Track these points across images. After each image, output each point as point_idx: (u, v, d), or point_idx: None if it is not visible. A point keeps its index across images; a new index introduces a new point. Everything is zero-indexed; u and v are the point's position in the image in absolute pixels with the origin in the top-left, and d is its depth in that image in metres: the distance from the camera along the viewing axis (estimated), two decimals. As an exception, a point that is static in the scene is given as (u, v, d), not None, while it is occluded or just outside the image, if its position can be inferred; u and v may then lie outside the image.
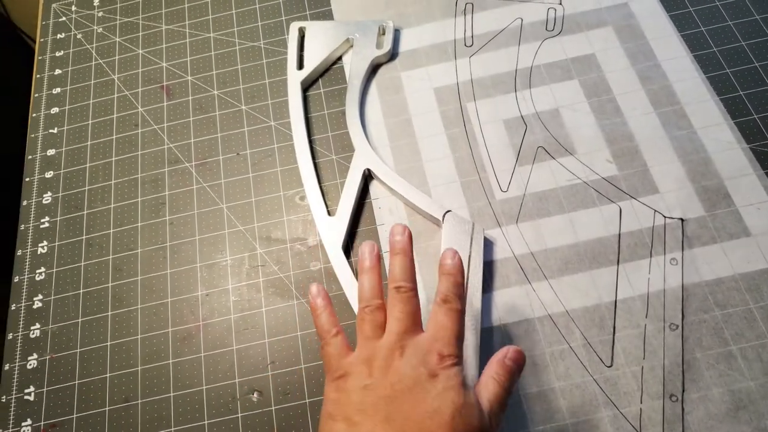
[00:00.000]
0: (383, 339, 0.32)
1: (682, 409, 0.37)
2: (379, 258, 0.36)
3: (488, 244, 0.44)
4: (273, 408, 0.40)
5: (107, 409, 0.42)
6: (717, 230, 0.42)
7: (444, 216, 0.43)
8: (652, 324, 0.40)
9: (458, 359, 0.31)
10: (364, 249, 0.35)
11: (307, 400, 0.40)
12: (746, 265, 0.41)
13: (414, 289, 0.33)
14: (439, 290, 0.34)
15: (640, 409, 0.38)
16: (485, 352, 0.40)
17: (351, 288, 0.43)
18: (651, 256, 0.42)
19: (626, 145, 0.46)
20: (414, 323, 0.32)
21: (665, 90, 0.48)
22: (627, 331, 0.40)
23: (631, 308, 0.41)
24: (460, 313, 0.33)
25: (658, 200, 0.44)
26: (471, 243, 0.42)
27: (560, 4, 0.53)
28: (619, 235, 0.43)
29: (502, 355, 0.32)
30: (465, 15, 0.53)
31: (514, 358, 0.32)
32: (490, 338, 0.41)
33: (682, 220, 0.43)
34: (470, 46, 0.52)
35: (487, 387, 0.31)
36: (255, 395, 0.41)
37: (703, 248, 0.42)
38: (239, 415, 0.41)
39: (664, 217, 0.43)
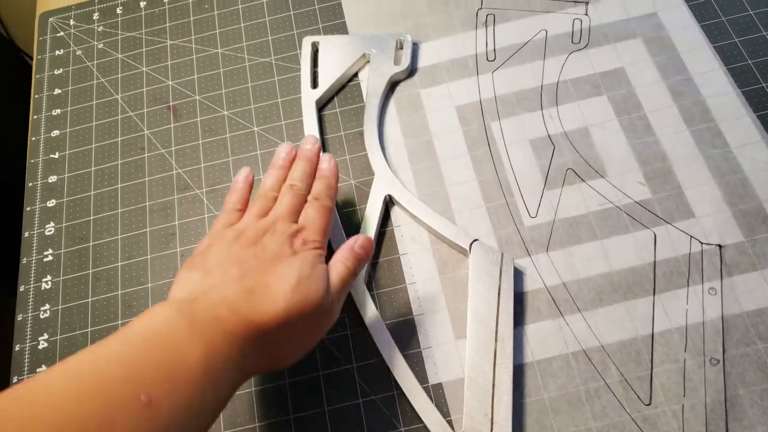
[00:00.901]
0: (261, 220, 0.36)
1: (728, 452, 0.36)
2: (292, 162, 0.40)
3: (518, 275, 0.42)
4: (297, 453, 0.39)
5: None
6: (757, 256, 0.40)
7: (471, 245, 0.41)
8: (691, 358, 0.38)
9: (321, 247, 0.35)
10: (281, 148, 0.41)
11: (332, 445, 0.39)
12: (790, 295, 0.39)
13: (306, 192, 0.38)
14: (312, 191, 0.38)
15: (684, 451, 0.36)
16: (518, 392, 0.38)
17: (374, 324, 0.41)
18: (688, 286, 0.40)
19: (659, 165, 0.44)
20: (292, 215, 0.36)
21: (699, 106, 0.46)
22: (665, 366, 0.38)
23: (669, 342, 0.39)
24: (330, 210, 0.38)
25: (694, 225, 0.42)
26: (500, 274, 0.40)
27: (586, 14, 0.50)
28: (654, 263, 0.41)
29: (353, 242, 0.37)
30: (486, 27, 0.51)
31: (364, 245, 0.37)
32: (523, 377, 0.39)
33: (720, 246, 0.41)
34: (493, 60, 0.49)
35: (335, 268, 0.35)
36: (277, 439, 0.39)
37: (742, 276, 0.40)
38: (261, 460, 0.39)
39: (701, 243, 0.41)
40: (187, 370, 0.26)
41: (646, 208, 0.43)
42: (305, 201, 0.38)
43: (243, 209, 0.38)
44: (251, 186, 0.40)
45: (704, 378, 0.37)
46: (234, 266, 0.32)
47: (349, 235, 0.43)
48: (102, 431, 0.22)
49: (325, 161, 0.40)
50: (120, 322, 0.44)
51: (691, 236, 0.41)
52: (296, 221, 0.36)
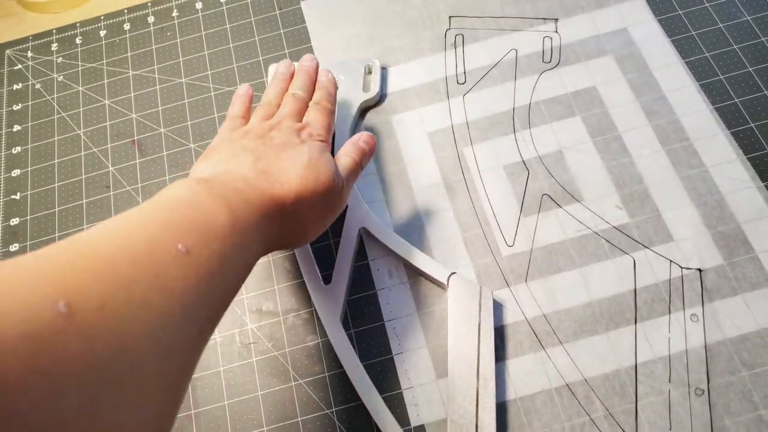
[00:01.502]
0: (267, 121, 0.38)
1: (716, 485, 0.35)
2: (293, 75, 0.42)
3: (498, 307, 0.41)
4: (277, 505, 0.37)
5: None
6: (737, 280, 0.40)
7: (448, 279, 0.40)
8: (676, 389, 0.37)
9: (326, 141, 0.37)
10: (281, 64, 0.42)
11: (313, 495, 0.37)
12: (771, 318, 0.39)
13: (308, 99, 0.40)
14: (314, 98, 0.40)
15: (671, 486, 0.35)
16: (501, 429, 0.37)
17: (351, 366, 0.39)
18: (670, 313, 0.40)
19: (636, 188, 0.43)
20: (296, 115, 0.38)
21: (673, 125, 0.45)
22: (650, 399, 0.37)
23: (653, 372, 0.38)
24: (331, 112, 0.39)
25: (674, 248, 0.41)
26: (480, 309, 0.39)
27: (556, 31, 0.49)
28: (635, 290, 0.40)
29: (357, 138, 0.39)
30: (456, 48, 0.50)
31: (367, 140, 0.39)
32: (506, 414, 0.38)
33: (699, 270, 0.40)
34: (463, 83, 0.48)
35: (341, 160, 0.37)
36: (257, 491, 0.38)
37: (723, 301, 0.39)
38: None
39: (681, 267, 0.41)
40: (217, 228, 0.27)
41: (624, 233, 0.42)
42: (307, 107, 0.39)
43: (246, 117, 0.39)
44: (251, 98, 0.41)
45: (690, 410, 0.37)
46: (246, 153, 0.34)
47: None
48: (150, 270, 0.23)
49: (323, 74, 0.42)
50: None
51: (671, 261, 0.41)
52: (299, 121, 0.38)
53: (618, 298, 0.40)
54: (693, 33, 0.48)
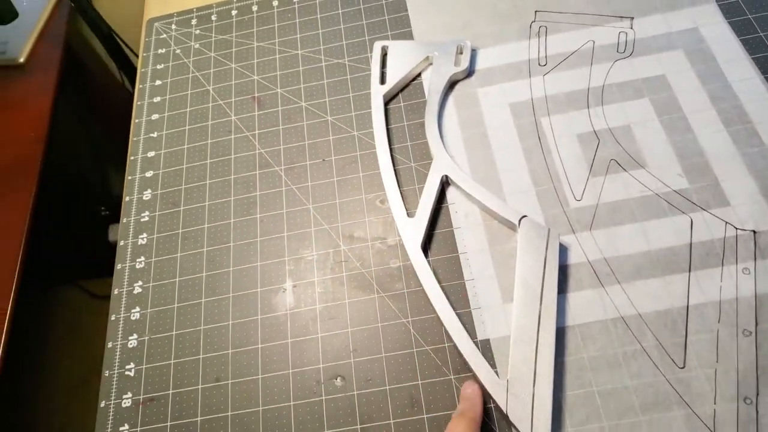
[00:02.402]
0: None
1: (757, 412, 0.38)
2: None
3: (563, 249, 0.46)
4: (355, 393, 0.43)
5: (200, 387, 0.45)
6: (790, 243, 0.43)
7: (520, 221, 0.46)
8: (725, 329, 0.41)
9: None
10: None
11: (387, 387, 0.43)
12: (820, 277, 0.42)
13: None
14: (458, 409, 0.40)
15: (714, 410, 0.39)
16: (559, 351, 0.42)
17: (429, 284, 0.45)
18: (723, 266, 0.43)
19: (697, 160, 0.48)
20: None
21: (736, 109, 0.49)
22: (699, 336, 0.41)
23: (704, 314, 0.42)
24: (472, 420, 0.38)
25: (730, 213, 0.45)
26: (547, 247, 0.45)
27: (631, 28, 0.55)
28: (691, 244, 0.44)
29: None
30: (539, 37, 0.57)
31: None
32: (564, 338, 0.42)
33: (754, 232, 0.44)
34: (544, 65, 0.55)
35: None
36: (338, 380, 0.44)
37: (775, 260, 0.43)
38: (323, 398, 0.43)
39: (736, 228, 0.45)
40: None
41: (683, 196, 0.46)
42: None
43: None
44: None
45: (737, 347, 0.40)
46: None
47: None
48: None
49: (468, 386, 0.41)
50: (204, 274, 0.50)
51: (727, 222, 0.45)
52: None
53: (674, 249, 0.44)
54: (761, 34, 0.53)
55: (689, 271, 0.44)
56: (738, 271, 0.43)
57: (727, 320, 0.41)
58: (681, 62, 0.53)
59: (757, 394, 0.39)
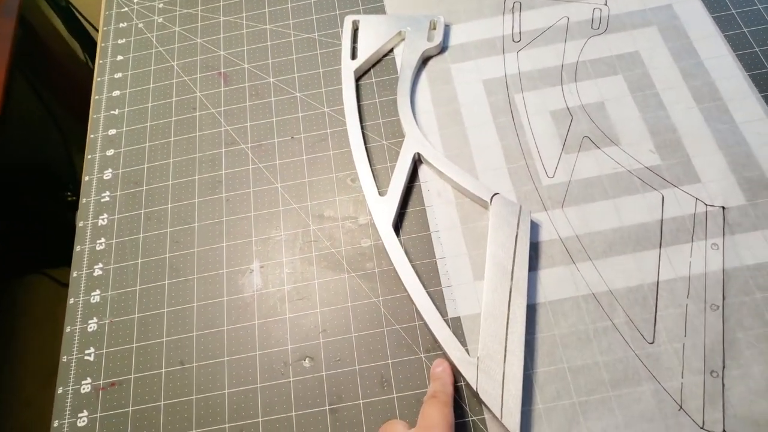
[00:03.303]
0: None
1: (723, 385, 0.38)
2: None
3: (534, 226, 0.45)
4: (324, 373, 0.42)
5: (164, 370, 0.44)
6: (758, 218, 0.43)
7: (492, 198, 0.45)
8: (693, 304, 0.41)
9: None
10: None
11: (357, 367, 0.42)
12: (788, 252, 0.42)
13: None
14: (429, 390, 0.39)
15: (682, 383, 0.39)
16: (531, 328, 0.41)
17: (400, 263, 0.44)
18: (693, 241, 0.43)
19: (669, 136, 0.48)
20: None
21: (708, 86, 0.49)
22: (669, 311, 0.41)
23: (673, 289, 0.42)
24: (444, 404, 0.37)
25: (700, 189, 0.45)
26: (518, 224, 0.44)
27: (606, 4, 0.55)
28: (662, 220, 0.44)
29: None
30: (513, 13, 0.56)
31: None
32: (535, 315, 0.42)
33: (723, 208, 0.44)
34: (518, 41, 0.54)
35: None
36: (307, 361, 0.43)
37: (744, 235, 0.43)
38: (291, 379, 0.42)
39: (706, 204, 0.44)
40: None
41: (655, 173, 0.46)
42: None
43: None
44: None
45: (705, 321, 0.40)
46: None
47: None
48: None
49: (438, 364, 0.41)
50: (168, 255, 0.48)
51: (697, 198, 0.45)
52: None
53: (645, 225, 0.44)
54: (733, 11, 0.53)
55: (660, 247, 0.43)
56: (707, 246, 0.43)
57: (696, 295, 0.41)
58: (654, 39, 0.52)
59: (723, 367, 0.39)
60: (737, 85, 0.49)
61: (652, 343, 0.40)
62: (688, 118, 0.48)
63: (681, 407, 0.38)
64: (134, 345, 0.45)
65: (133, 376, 0.44)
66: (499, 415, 0.38)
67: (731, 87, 0.49)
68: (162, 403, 0.43)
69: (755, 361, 0.39)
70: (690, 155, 0.47)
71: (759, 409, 0.37)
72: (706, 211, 0.44)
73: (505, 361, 0.39)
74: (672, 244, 0.43)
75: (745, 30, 0.52)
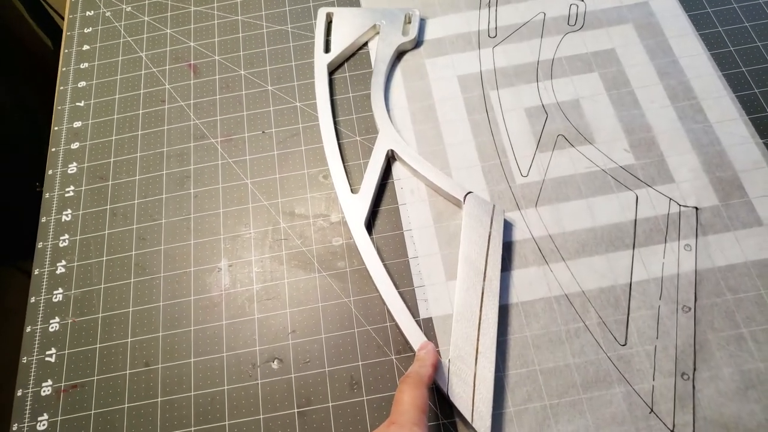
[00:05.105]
0: None
1: (693, 387, 0.38)
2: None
3: (507, 226, 0.45)
4: (293, 375, 0.41)
5: (128, 372, 0.43)
6: (730, 219, 0.43)
7: (465, 197, 0.44)
8: (665, 306, 0.41)
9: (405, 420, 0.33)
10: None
11: (326, 369, 0.41)
12: (758, 252, 0.42)
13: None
14: (409, 369, 0.38)
15: (653, 386, 0.39)
16: (503, 329, 0.41)
17: (372, 262, 0.43)
18: (666, 242, 0.43)
19: (644, 135, 0.47)
20: None
21: (682, 85, 0.49)
22: (641, 312, 0.41)
23: (646, 290, 0.42)
24: (420, 382, 0.36)
25: (674, 189, 0.45)
26: (491, 223, 0.43)
27: (582, 1, 0.54)
28: (635, 221, 0.44)
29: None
30: (489, 8, 0.55)
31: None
32: (508, 315, 0.42)
33: (696, 208, 0.44)
34: (494, 37, 0.53)
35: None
36: (275, 363, 0.42)
37: (716, 236, 0.43)
38: (259, 381, 0.41)
39: (679, 205, 0.44)
40: None
41: (629, 172, 0.46)
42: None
43: None
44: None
45: (676, 323, 0.40)
46: None
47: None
48: None
49: (422, 347, 0.40)
50: (134, 252, 0.47)
51: (671, 198, 0.45)
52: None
53: (619, 225, 0.44)
54: (709, 10, 0.53)
55: (633, 247, 0.43)
56: (680, 247, 0.43)
57: (668, 296, 0.41)
58: (630, 36, 0.52)
59: (694, 370, 0.39)
60: (712, 84, 0.49)
61: (624, 345, 0.40)
62: (663, 116, 0.48)
63: (652, 410, 0.38)
64: (98, 346, 0.44)
65: (96, 378, 0.43)
66: (469, 419, 0.37)
67: (706, 86, 0.49)
68: (126, 405, 0.42)
69: (725, 364, 0.39)
70: (664, 154, 0.46)
71: (728, 412, 0.37)
72: (680, 212, 0.44)
73: (476, 363, 0.39)
74: (645, 244, 0.43)
75: (720, 29, 0.51)
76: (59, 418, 0.41)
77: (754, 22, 0.52)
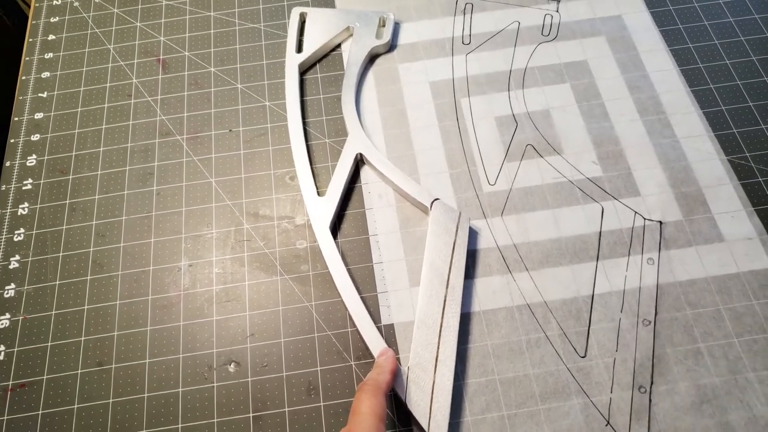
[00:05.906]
0: None
1: (650, 401, 0.38)
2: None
3: (473, 234, 0.44)
4: (249, 379, 0.40)
5: (80, 371, 0.41)
6: (693, 234, 0.44)
7: (432, 203, 0.44)
8: (626, 319, 0.41)
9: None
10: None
11: (284, 373, 0.40)
12: (718, 268, 0.42)
13: None
14: (367, 375, 0.37)
15: (610, 398, 0.39)
16: (464, 337, 0.41)
17: (335, 266, 0.43)
18: (629, 255, 0.43)
19: (612, 148, 0.47)
20: None
21: (652, 100, 0.49)
22: (602, 324, 0.41)
23: (608, 303, 0.42)
24: (378, 389, 0.35)
25: (640, 203, 0.45)
26: (457, 230, 0.43)
27: (557, 11, 0.54)
28: (600, 233, 0.44)
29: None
30: (465, 14, 0.55)
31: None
32: (469, 324, 0.41)
33: (660, 222, 0.44)
34: (468, 44, 0.53)
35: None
36: (232, 366, 0.41)
37: (679, 250, 0.43)
38: (215, 384, 0.40)
39: (644, 218, 0.44)
40: None
41: (596, 184, 0.46)
42: None
43: None
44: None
45: (636, 336, 0.40)
46: None
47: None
48: None
49: (382, 353, 0.40)
50: (92, 249, 0.45)
51: (636, 212, 0.45)
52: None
53: (584, 237, 0.44)
54: (680, 26, 0.53)
55: (597, 259, 0.43)
56: (643, 261, 0.43)
57: (629, 309, 0.41)
58: (603, 49, 0.52)
59: (652, 383, 0.39)
60: (680, 99, 0.49)
61: (584, 356, 0.40)
62: (632, 130, 0.48)
63: (608, 422, 0.38)
64: (49, 344, 0.42)
65: (45, 377, 0.41)
66: (426, 428, 0.37)
67: (674, 101, 0.49)
68: (75, 406, 0.40)
69: (682, 378, 0.39)
70: (631, 168, 0.47)
71: (683, 426, 0.37)
72: (644, 225, 0.44)
73: (435, 372, 0.38)
74: (609, 257, 0.43)
75: (690, 45, 0.52)
76: (5, 418, 0.40)
77: (723, 40, 0.52)
